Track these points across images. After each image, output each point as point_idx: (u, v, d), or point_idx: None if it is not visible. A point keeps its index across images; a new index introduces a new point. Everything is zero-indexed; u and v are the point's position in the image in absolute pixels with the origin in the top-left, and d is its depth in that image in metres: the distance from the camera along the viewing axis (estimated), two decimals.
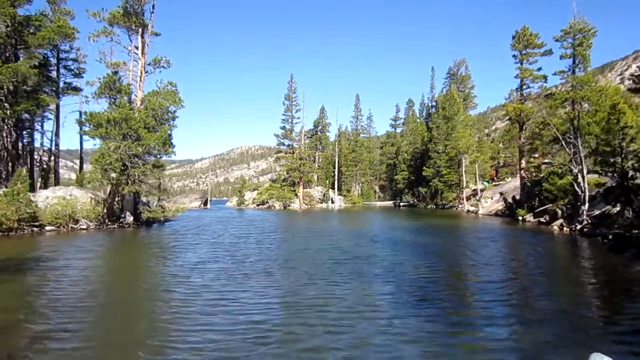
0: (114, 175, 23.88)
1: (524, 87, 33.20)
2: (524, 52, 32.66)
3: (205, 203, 74.75)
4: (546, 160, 39.28)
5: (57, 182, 36.71)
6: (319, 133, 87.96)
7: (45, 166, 38.23)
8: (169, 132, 26.09)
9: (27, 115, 36.87)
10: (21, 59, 33.33)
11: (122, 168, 24.23)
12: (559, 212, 25.66)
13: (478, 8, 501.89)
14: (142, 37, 28.12)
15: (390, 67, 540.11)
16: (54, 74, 34.63)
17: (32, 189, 32.29)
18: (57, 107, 34.85)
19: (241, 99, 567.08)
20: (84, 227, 24.58)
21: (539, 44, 32.06)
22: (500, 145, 75.17)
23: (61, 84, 35.41)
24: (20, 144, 33.14)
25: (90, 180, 24.46)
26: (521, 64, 32.98)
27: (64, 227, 23.92)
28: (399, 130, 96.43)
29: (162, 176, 28.04)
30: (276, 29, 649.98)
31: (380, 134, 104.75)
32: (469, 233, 23.92)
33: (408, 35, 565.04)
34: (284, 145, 74.42)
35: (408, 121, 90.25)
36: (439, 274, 11.76)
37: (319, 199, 73.44)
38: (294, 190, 69.87)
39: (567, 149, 23.71)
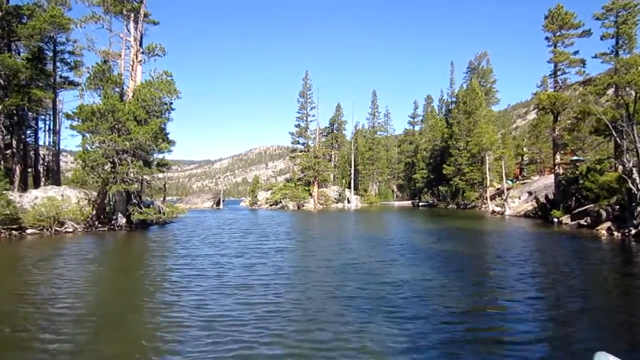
0: (101, 173, 21.55)
1: (559, 72, 29.80)
2: (558, 33, 29.18)
3: (218, 203, 72.89)
4: (575, 157, 35.86)
5: (56, 182, 34.87)
6: (334, 131, 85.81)
7: (52, 165, 36.59)
8: (162, 125, 23.65)
9: (30, 113, 35.69)
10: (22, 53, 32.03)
11: (111, 165, 21.99)
12: (604, 213, 22.37)
13: (496, 4, 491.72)
14: (135, 22, 25.82)
15: (407, 65, 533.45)
16: (51, 67, 32.79)
17: (37, 187, 30.64)
18: (54, 102, 32.91)
19: (259, 99, 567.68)
20: (70, 229, 22.40)
21: (576, 24, 28.62)
22: (524, 141, 71.36)
23: (58, 79, 33.49)
24: (14, 141, 31.33)
25: (74, 178, 22.26)
26: (555, 46, 29.50)
27: (47, 229, 21.79)
28: (417, 127, 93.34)
29: (154, 173, 25.49)
30: (293, 26, 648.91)
31: (398, 132, 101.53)
32: (502, 239, 20.43)
33: (426, 32, 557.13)
34: (299, 143, 72.07)
35: (427, 118, 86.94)
36: (481, 313, 8.11)
37: (335, 198, 70.88)
38: (309, 190, 67.38)
39: (618, 140, 20.40)
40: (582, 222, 24.48)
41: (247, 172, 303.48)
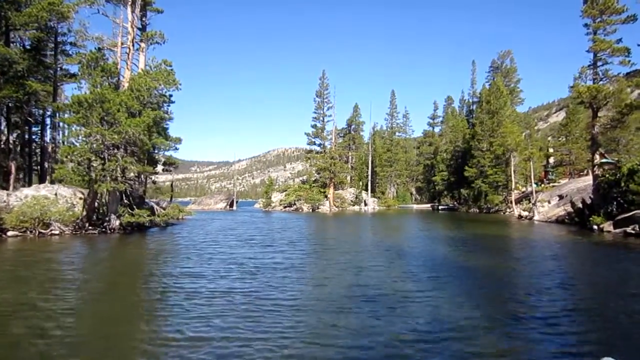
0: (90, 170, 19.55)
1: (599, 63, 26.69)
2: (598, 19, 26.11)
3: (231, 205, 71.37)
4: (604, 160, 32.81)
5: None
6: (352, 132, 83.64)
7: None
8: (157, 118, 21.56)
9: (37, 109, 34.40)
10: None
11: (102, 162, 20.01)
12: None
13: (518, 5, 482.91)
14: (132, 7, 23.91)
15: (427, 65, 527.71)
16: (52, 60, 31.22)
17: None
18: (55, 95, 31.21)
19: (278, 100, 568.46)
20: (57, 232, 20.50)
21: (619, 9, 25.50)
22: (550, 142, 67.78)
23: (60, 71, 31.87)
24: (11, 137, 29.85)
25: (57, 176, 20.35)
26: (595, 34, 26.43)
27: (31, 232, 19.93)
28: (437, 129, 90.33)
29: (148, 171, 23.42)
30: (310, 25, 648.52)
31: (417, 135, 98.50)
32: (542, 252, 16.87)
33: (445, 32, 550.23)
34: (315, 144, 70.07)
35: (447, 119, 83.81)
36: None
37: (351, 201, 68.56)
38: (324, 192, 65.14)
39: None
40: (628, 229, 21.57)
41: (266, 173, 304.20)
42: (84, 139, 19.05)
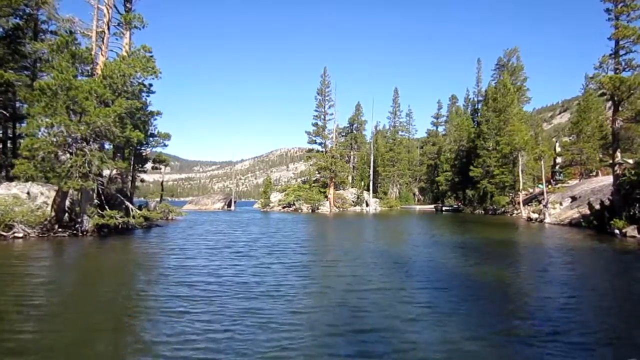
0: (56, 166, 17.47)
1: (621, 51, 24.40)
2: (621, 3, 23.96)
3: (229, 204, 69.49)
4: (620, 160, 30.59)
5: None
6: (354, 131, 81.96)
7: None
8: (132, 107, 19.34)
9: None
10: None
11: (70, 156, 17.92)
12: None
13: (523, 4, 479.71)
14: None
15: (430, 65, 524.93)
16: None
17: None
18: (32, 86, 29.16)
19: (281, 100, 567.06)
20: (20, 234, 18.44)
21: None
22: (557, 142, 65.42)
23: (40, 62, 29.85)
24: None
25: (16, 172, 18.27)
26: (616, 19, 24.20)
27: None
28: (440, 128, 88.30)
29: (120, 166, 21.29)
30: (314, 24, 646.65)
31: (420, 136, 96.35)
32: (565, 262, 14.57)
33: (449, 30, 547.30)
34: (315, 143, 67.93)
35: (451, 118, 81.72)
36: None
37: (353, 201, 66.44)
38: (324, 192, 63.00)
39: None
40: None
41: (268, 173, 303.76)
42: (46, 130, 16.98)
